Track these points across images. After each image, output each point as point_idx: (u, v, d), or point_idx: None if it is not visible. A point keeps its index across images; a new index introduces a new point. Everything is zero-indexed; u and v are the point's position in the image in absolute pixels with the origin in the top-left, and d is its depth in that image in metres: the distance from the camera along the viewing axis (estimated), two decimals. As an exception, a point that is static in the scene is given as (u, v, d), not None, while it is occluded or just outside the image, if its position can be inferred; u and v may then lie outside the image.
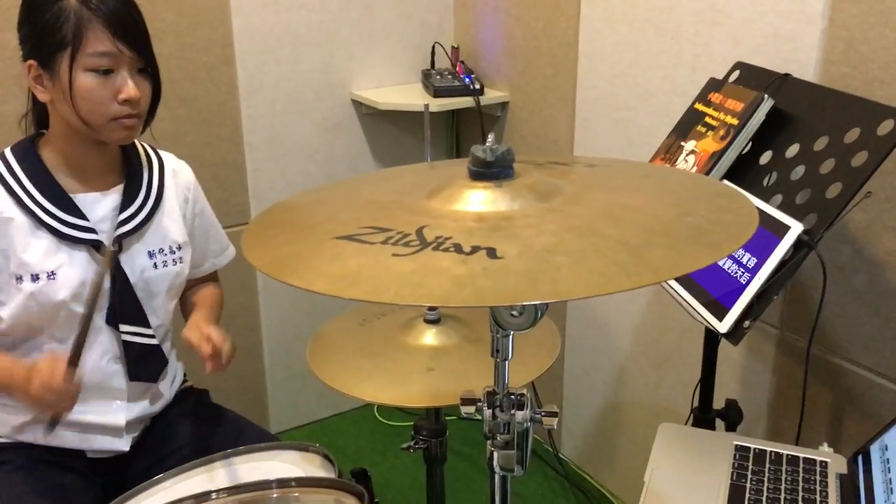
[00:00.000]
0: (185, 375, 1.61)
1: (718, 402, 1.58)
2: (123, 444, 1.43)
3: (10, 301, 1.30)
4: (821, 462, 1.30)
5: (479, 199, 0.95)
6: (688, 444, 1.38)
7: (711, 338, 1.53)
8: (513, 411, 1.00)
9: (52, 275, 1.30)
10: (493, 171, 0.97)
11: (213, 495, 1.14)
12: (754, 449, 1.34)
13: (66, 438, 1.39)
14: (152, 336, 1.42)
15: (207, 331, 1.36)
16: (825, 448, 1.35)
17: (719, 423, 1.57)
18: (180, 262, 1.45)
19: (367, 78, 2.48)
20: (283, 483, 1.17)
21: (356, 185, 1.16)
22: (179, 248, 1.45)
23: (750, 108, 1.43)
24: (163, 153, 1.50)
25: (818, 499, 1.22)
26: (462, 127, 2.67)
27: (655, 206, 0.94)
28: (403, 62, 2.53)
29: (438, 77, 2.43)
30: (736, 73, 1.62)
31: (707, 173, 1.44)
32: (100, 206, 1.36)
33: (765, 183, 1.39)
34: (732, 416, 1.56)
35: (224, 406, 1.58)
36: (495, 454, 1.02)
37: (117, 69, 1.26)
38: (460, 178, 0.99)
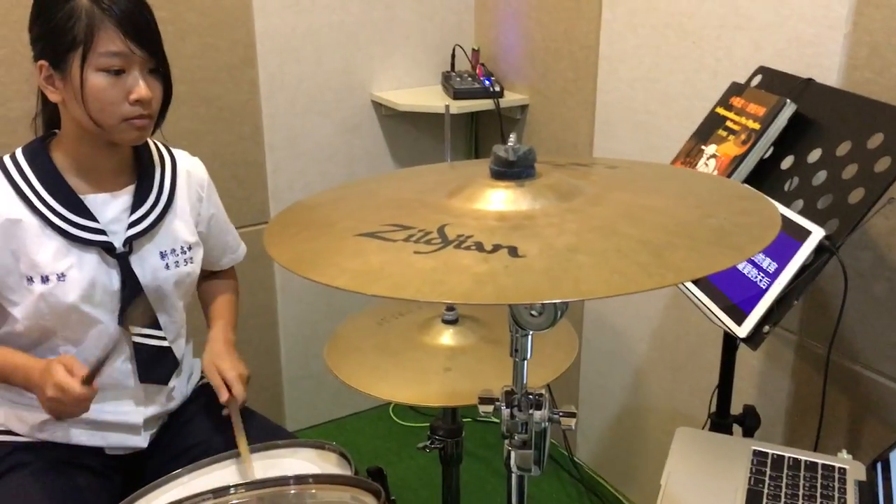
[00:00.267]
0: (202, 372, 1.62)
1: (736, 408, 1.57)
2: (142, 441, 1.44)
3: (23, 302, 1.31)
4: (839, 469, 1.29)
5: (501, 199, 0.95)
6: (705, 448, 1.38)
7: (730, 342, 1.53)
8: (531, 411, 1.00)
9: (62, 276, 1.30)
10: (514, 171, 0.97)
11: (232, 490, 1.15)
12: (772, 454, 1.34)
13: (84, 436, 1.40)
14: (163, 338, 1.42)
15: (223, 372, 1.44)
16: (844, 455, 1.34)
17: (736, 428, 1.57)
18: (191, 263, 1.45)
19: (388, 79, 2.49)
20: (300, 479, 1.17)
21: (377, 183, 1.16)
22: (190, 248, 1.45)
23: (772, 112, 1.42)
24: (176, 151, 1.49)
25: (837, 505, 1.22)
26: (481, 129, 2.67)
27: (677, 208, 0.94)
28: (424, 64, 2.54)
29: (458, 79, 2.44)
30: (758, 78, 1.62)
31: (728, 178, 1.43)
32: (110, 208, 1.36)
33: (786, 188, 1.38)
34: (750, 422, 1.55)
35: (241, 403, 1.60)
36: (513, 454, 1.02)
37: (129, 69, 1.26)
38: (481, 177, 0.99)
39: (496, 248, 0.83)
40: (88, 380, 1.22)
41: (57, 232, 1.30)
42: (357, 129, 2.49)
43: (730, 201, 0.98)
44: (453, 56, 2.55)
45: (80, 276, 1.31)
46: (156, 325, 1.41)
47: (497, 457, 2.47)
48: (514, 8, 2.39)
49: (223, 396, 1.42)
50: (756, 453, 1.34)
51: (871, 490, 1.24)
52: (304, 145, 2.41)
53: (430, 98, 2.43)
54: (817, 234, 1.22)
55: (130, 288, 1.36)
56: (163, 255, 1.40)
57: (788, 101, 1.41)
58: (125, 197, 1.38)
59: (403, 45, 2.48)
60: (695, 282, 1.42)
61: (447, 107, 1.73)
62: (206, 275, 1.61)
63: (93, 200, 1.35)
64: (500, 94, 2.40)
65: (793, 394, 1.72)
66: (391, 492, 1.26)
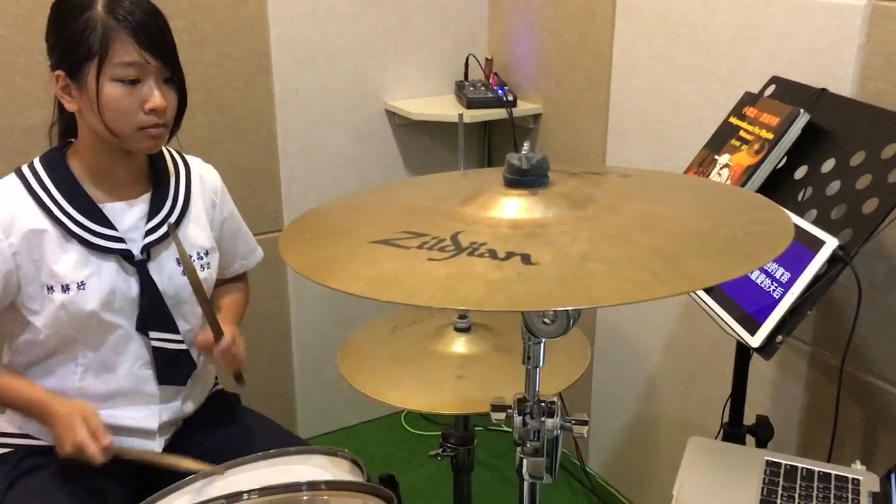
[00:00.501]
0: (216, 379, 1.63)
1: (749, 419, 1.56)
2: (156, 447, 1.45)
3: (43, 311, 1.32)
4: (853, 480, 1.29)
5: (514, 207, 0.95)
6: (718, 458, 1.37)
7: (743, 352, 1.52)
8: (543, 418, 1.00)
9: (81, 285, 1.32)
10: (528, 179, 0.98)
11: (245, 496, 1.15)
12: (785, 465, 1.33)
13: None
14: (181, 341, 1.43)
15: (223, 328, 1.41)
16: (858, 466, 1.34)
17: (749, 439, 1.56)
18: (208, 268, 1.47)
19: (401, 88, 2.50)
20: (313, 486, 1.18)
21: (391, 191, 1.17)
22: (207, 253, 1.47)
23: (785, 122, 1.42)
24: (190, 158, 1.51)
25: (850, 517, 1.21)
26: (494, 139, 2.68)
27: (690, 217, 0.94)
28: (437, 73, 2.55)
29: (472, 88, 2.45)
30: (772, 88, 1.62)
31: (741, 187, 1.43)
32: (128, 216, 1.37)
33: (799, 198, 1.38)
34: (763, 433, 1.55)
35: (254, 410, 1.60)
36: (524, 461, 1.02)
37: (144, 79, 1.27)
38: (495, 185, 1.00)
39: (509, 255, 0.84)
40: (109, 452, 1.27)
41: (77, 241, 1.32)
42: (370, 138, 2.50)
43: (742, 210, 0.98)
44: (467, 65, 2.56)
45: (99, 285, 1.33)
46: (174, 329, 1.42)
47: (509, 466, 2.46)
48: (527, 18, 2.40)
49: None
50: (769, 464, 1.33)
51: (886, 501, 1.23)
52: (318, 154, 2.42)
53: (444, 107, 2.44)
54: (831, 244, 1.22)
55: (149, 295, 1.37)
56: (179, 262, 1.41)
57: (802, 110, 1.41)
58: (142, 205, 1.39)
59: (417, 54, 2.50)
60: (708, 291, 1.42)
61: (461, 116, 1.73)
62: (220, 283, 1.62)
63: (111, 209, 1.36)
64: (514, 104, 2.40)
65: (806, 404, 1.72)
66: (403, 499, 1.27)
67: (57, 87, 1.30)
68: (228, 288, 1.63)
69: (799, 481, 1.29)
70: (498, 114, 2.39)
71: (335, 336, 2.57)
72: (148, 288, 1.37)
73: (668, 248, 0.85)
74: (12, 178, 1.34)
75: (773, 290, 1.26)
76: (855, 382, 1.59)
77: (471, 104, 2.39)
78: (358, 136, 2.47)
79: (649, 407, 2.19)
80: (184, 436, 1.50)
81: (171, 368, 1.43)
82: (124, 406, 1.40)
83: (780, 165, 1.44)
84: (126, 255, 1.35)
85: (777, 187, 1.43)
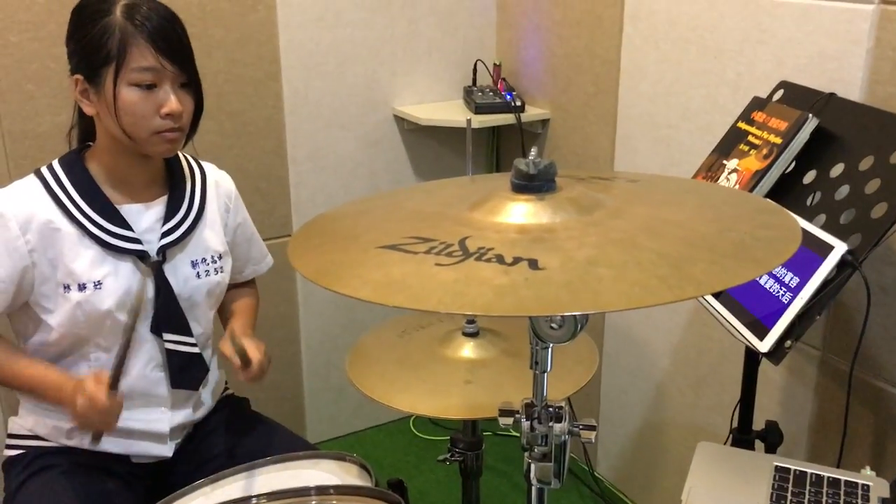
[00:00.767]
0: (226, 383, 1.64)
1: (758, 424, 1.56)
2: (167, 450, 1.46)
3: (58, 310, 1.34)
4: (863, 485, 1.28)
5: (522, 212, 0.96)
6: (727, 463, 1.37)
7: (752, 357, 1.52)
8: (551, 423, 1.00)
9: (98, 284, 1.33)
10: (535, 185, 0.98)
11: (254, 500, 1.16)
12: (795, 470, 1.33)
13: (111, 444, 1.41)
14: (194, 344, 1.44)
15: (239, 342, 1.40)
16: (868, 472, 1.33)
17: (758, 444, 1.56)
18: (221, 272, 1.48)
19: (410, 94, 2.51)
20: (321, 490, 1.18)
21: (399, 197, 1.17)
22: (220, 257, 1.48)
23: (794, 127, 1.42)
24: (205, 164, 1.53)
25: (860, 522, 1.21)
26: (502, 143, 2.68)
27: (697, 222, 0.94)
28: (445, 79, 2.55)
29: (480, 94, 2.45)
30: (780, 93, 1.61)
31: (749, 192, 1.43)
32: (144, 217, 1.39)
33: (808, 202, 1.38)
34: (772, 438, 1.54)
35: (263, 415, 1.61)
36: (532, 466, 1.02)
37: (160, 84, 1.29)
38: (502, 190, 1.00)
39: (517, 260, 0.84)
40: (113, 383, 1.24)
41: (94, 240, 1.33)
42: (379, 143, 2.50)
43: (750, 215, 0.98)
44: (475, 71, 2.56)
45: (115, 284, 1.34)
46: (188, 332, 1.43)
47: (517, 471, 2.46)
48: (535, 23, 2.40)
49: (236, 362, 1.38)
50: (778, 469, 1.33)
51: (896, 507, 1.23)
52: (327, 159, 2.43)
53: (452, 112, 2.45)
54: (840, 248, 1.22)
55: (164, 296, 1.39)
56: (194, 265, 1.43)
57: (811, 115, 1.41)
58: (158, 207, 1.41)
59: (426, 60, 2.50)
60: (716, 296, 1.42)
61: (469, 121, 1.74)
62: (230, 288, 1.62)
63: (127, 210, 1.38)
64: (522, 109, 2.41)
65: (815, 410, 1.71)
66: (411, 504, 1.27)
67: (76, 91, 1.32)
68: (241, 293, 1.64)
69: (808, 487, 1.29)
70: (506, 119, 2.40)
71: (344, 341, 2.58)
72: (163, 289, 1.38)
73: (676, 252, 0.85)
74: (31, 179, 1.35)
75: (782, 295, 1.26)
76: (864, 387, 1.59)
77: (479, 109, 2.40)
78: (367, 142, 2.48)
79: (658, 412, 2.19)
80: (194, 440, 1.51)
81: (184, 372, 1.44)
82: (136, 409, 1.41)
83: (788, 170, 1.44)
84: (142, 256, 1.37)
85: (786, 192, 1.43)
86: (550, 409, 1.01)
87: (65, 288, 1.32)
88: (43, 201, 1.32)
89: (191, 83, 1.33)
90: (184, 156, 1.49)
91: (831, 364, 1.66)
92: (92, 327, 1.35)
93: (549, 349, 0.99)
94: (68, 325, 1.34)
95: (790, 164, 1.44)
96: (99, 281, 1.33)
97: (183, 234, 1.41)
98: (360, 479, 1.30)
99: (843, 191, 1.33)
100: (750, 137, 1.52)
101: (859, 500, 1.25)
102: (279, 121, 2.32)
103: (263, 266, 1.67)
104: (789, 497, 1.26)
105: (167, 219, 1.41)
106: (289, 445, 1.46)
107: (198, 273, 1.44)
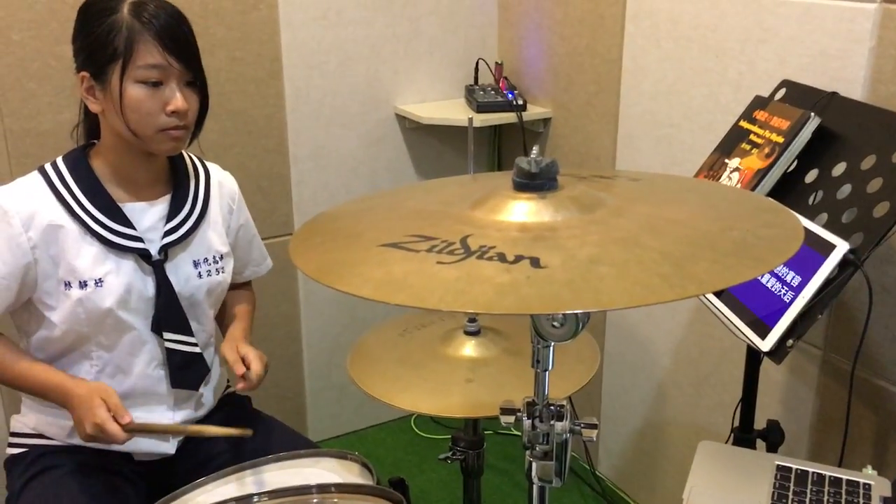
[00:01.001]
0: (227, 382, 1.64)
1: (759, 423, 1.56)
2: (169, 448, 1.46)
3: (59, 307, 1.34)
4: (864, 485, 1.28)
5: (523, 210, 0.96)
6: (728, 462, 1.37)
7: (753, 357, 1.52)
8: (552, 422, 1.00)
9: (99, 282, 1.33)
10: (537, 183, 0.98)
11: (255, 499, 1.16)
12: (796, 469, 1.33)
13: None
14: (195, 344, 1.44)
15: (244, 350, 1.42)
16: (869, 471, 1.33)
17: (760, 443, 1.56)
18: (223, 272, 1.48)
19: (412, 92, 2.51)
20: (323, 488, 1.18)
21: (400, 195, 1.17)
22: (222, 257, 1.48)
23: (796, 126, 1.42)
24: (209, 164, 1.53)
25: (861, 521, 1.21)
26: (504, 142, 2.68)
27: (699, 220, 0.94)
28: (447, 77, 2.55)
29: (482, 92, 2.45)
30: (782, 91, 1.61)
31: (751, 191, 1.43)
32: (147, 216, 1.39)
33: (810, 201, 1.38)
34: (774, 437, 1.54)
35: (265, 413, 1.61)
36: (534, 464, 1.02)
37: (166, 81, 1.29)
38: (504, 189, 1.00)
39: (518, 258, 0.84)
40: (130, 429, 1.26)
41: (96, 238, 1.33)
42: (381, 142, 2.50)
43: (752, 214, 0.98)
44: (477, 70, 2.56)
45: (117, 282, 1.34)
46: (188, 331, 1.43)
47: (518, 469, 2.46)
48: (536, 22, 2.40)
49: (239, 370, 1.39)
50: (780, 468, 1.33)
51: (897, 506, 1.23)
52: (329, 158, 2.43)
53: (454, 111, 2.45)
54: (842, 247, 1.22)
55: (165, 295, 1.39)
56: (196, 264, 1.43)
57: (813, 114, 1.41)
58: (161, 206, 1.41)
59: (427, 58, 2.50)
60: (718, 295, 1.42)
61: (470, 120, 1.74)
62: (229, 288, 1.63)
63: (130, 208, 1.38)
64: (523, 108, 2.41)
65: (817, 409, 1.71)
66: (412, 503, 1.27)
67: (82, 89, 1.32)
68: (240, 296, 1.64)
69: (810, 486, 1.29)
70: (508, 118, 2.40)
71: (345, 339, 2.58)
72: (164, 288, 1.38)
73: (678, 251, 0.85)
74: (34, 175, 1.36)
75: (784, 294, 1.26)
76: (866, 387, 1.59)
77: (481, 108, 2.40)
78: (368, 140, 2.48)
79: (659, 411, 2.19)
80: (196, 438, 1.51)
81: (185, 371, 1.44)
82: (138, 407, 1.41)
83: (790, 169, 1.44)
84: (144, 255, 1.37)
85: (787, 191, 1.43)
86: (552, 407, 1.01)
87: (66, 285, 1.33)
88: (46, 198, 1.33)
89: (196, 81, 1.34)
90: (188, 155, 1.50)
91: (833, 363, 1.66)
92: (93, 325, 1.35)
93: (551, 348, 0.99)
94: (70, 321, 1.34)
95: (792, 163, 1.44)
96: (100, 279, 1.33)
97: (185, 233, 1.41)
98: (362, 478, 1.31)
99: (845, 190, 1.33)
100: (752, 136, 1.52)
101: (861, 500, 1.25)
102: (281, 119, 2.32)
103: (263, 268, 1.67)
104: (791, 496, 1.26)
105: (170, 218, 1.41)
106: (290, 444, 1.47)
107: (199, 273, 1.44)
